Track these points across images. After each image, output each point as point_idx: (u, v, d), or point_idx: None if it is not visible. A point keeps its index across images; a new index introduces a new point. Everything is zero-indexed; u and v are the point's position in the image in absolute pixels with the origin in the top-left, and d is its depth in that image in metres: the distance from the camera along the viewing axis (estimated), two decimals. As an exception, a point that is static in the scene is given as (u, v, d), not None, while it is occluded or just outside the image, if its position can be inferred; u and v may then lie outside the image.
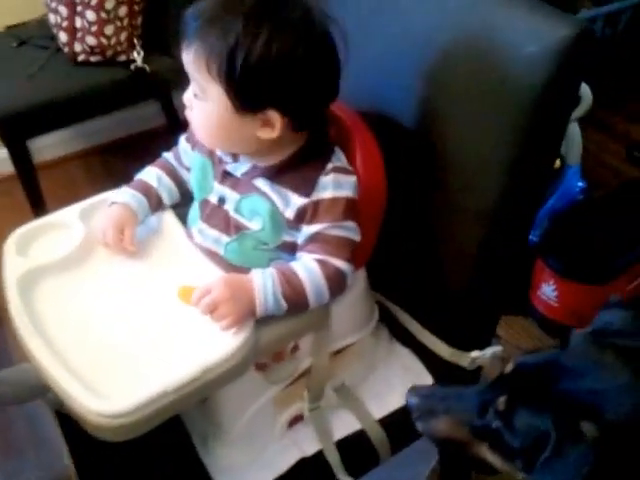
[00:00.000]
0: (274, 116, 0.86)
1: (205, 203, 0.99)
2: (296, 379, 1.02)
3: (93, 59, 1.79)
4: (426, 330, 1.09)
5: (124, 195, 1.01)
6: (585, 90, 1.85)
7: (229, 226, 0.96)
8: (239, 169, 0.95)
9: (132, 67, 1.79)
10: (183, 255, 0.98)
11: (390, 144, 0.98)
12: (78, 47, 1.77)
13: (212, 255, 0.98)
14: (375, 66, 1.03)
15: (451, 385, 0.86)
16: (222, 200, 0.97)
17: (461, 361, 1.06)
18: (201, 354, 0.86)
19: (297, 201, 0.91)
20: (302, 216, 0.91)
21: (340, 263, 0.91)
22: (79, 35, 1.75)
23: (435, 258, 1.06)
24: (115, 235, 0.96)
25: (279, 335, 0.93)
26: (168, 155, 1.07)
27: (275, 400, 1.01)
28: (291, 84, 0.84)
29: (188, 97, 0.91)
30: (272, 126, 0.87)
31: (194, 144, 1.02)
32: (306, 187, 0.91)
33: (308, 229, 0.91)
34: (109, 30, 1.74)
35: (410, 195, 1.03)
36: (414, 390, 0.84)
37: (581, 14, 2.19)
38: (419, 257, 1.07)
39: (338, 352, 1.05)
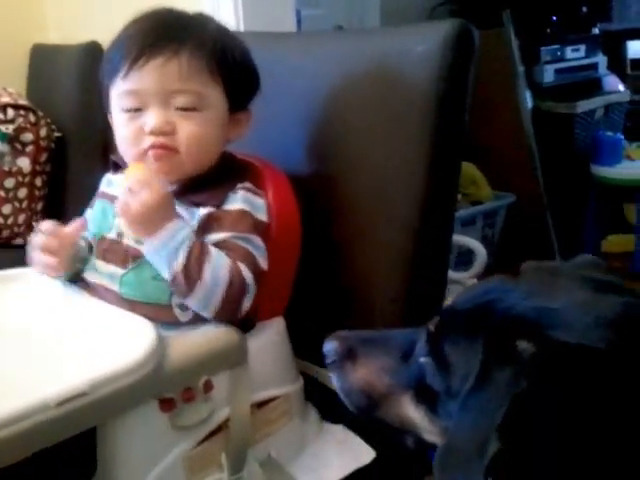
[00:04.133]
0: (245, 112, 0.92)
1: (102, 240, 0.93)
2: (213, 434, 0.84)
3: (-13, 240, 1.73)
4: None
5: None
6: (479, 249, 1.94)
7: (126, 258, 0.89)
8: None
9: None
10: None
11: (301, 187, 0.97)
12: (-29, 225, 1.72)
13: (107, 292, 0.89)
14: (278, 120, 1.06)
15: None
16: (120, 235, 0.91)
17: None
18: (93, 368, 0.72)
19: (203, 211, 0.88)
20: (207, 226, 0.87)
21: (244, 270, 0.84)
22: (-27, 213, 1.72)
23: (362, 302, 0.98)
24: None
25: (187, 358, 0.81)
26: None
27: (186, 462, 0.82)
28: (253, 79, 0.92)
29: (168, 120, 0.85)
30: (240, 124, 0.92)
31: (93, 203, 0.99)
32: (214, 200, 0.88)
33: (213, 237, 0.86)
34: (7, 209, 1.72)
35: (325, 235, 1.00)
36: (334, 334, 0.71)
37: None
38: (343, 303, 1.00)
39: (260, 406, 0.90)
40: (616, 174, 2.55)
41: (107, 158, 1.87)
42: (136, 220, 0.83)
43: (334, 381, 0.69)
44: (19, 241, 1.76)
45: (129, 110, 0.86)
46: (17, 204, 1.74)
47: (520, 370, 0.51)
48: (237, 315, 0.86)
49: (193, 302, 0.84)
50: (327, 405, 1.02)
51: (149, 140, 0.85)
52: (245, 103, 0.93)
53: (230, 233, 0.86)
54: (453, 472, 0.55)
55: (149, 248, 0.83)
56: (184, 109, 0.85)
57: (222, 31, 0.91)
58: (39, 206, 1.80)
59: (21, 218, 1.75)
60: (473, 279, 1.93)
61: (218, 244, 0.85)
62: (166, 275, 0.83)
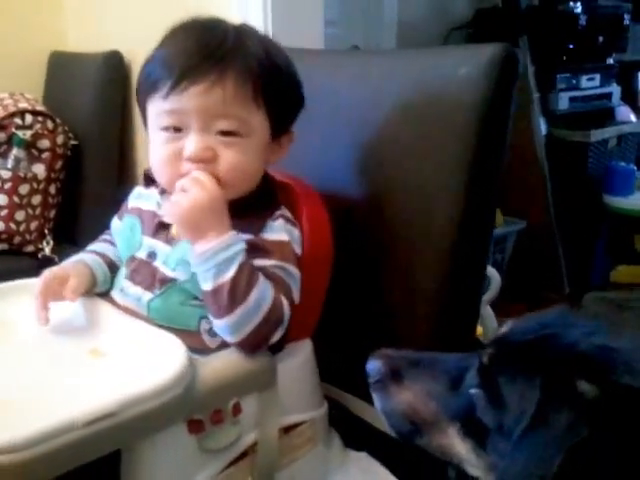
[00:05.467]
0: (287, 135, 0.89)
1: (131, 260, 0.89)
2: (239, 459, 0.81)
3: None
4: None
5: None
6: (494, 274, 1.92)
7: (154, 282, 0.85)
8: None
9: (40, 256, 1.72)
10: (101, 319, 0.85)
11: (338, 209, 0.95)
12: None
13: (135, 315, 0.86)
14: (317, 140, 1.04)
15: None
16: (152, 255, 0.87)
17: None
18: (122, 388, 0.70)
19: (243, 237, 0.83)
20: (248, 252, 0.82)
21: (285, 303, 0.81)
22: (-12, 218, 1.70)
23: (394, 327, 0.96)
24: (51, 281, 0.85)
25: (217, 379, 0.78)
26: (96, 246, 0.98)
27: (213, 486, 0.79)
28: (298, 98, 0.89)
29: (209, 146, 0.81)
30: (282, 147, 0.89)
31: (122, 214, 0.96)
32: (252, 228, 0.85)
33: (256, 262, 0.82)
34: (20, 216, 1.70)
35: (359, 258, 0.97)
36: (378, 352, 0.67)
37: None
38: (373, 327, 0.97)
39: (287, 431, 0.87)
40: (628, 205, 2.55)
41: (122, 168, 1.87)
42: (185, 219, 0.79)
43: (376, 402, 0.66)
44: (30, 248, 1.74)
45: (168, 128, 0.82)
46: (30, 211, 1.72)
47: (580, 414, 0.48)
48: (262, 347, 0.82)
49: (225, 322, 0.79)
50: (351, 431, 1.00)
51: (186, 166, 0.81)
52: (288, 126, 0.89)
53: (272, 261, 0.83)
54: None
55: (197, 253, 0.79)
56: (226, 133, 0.81)
57: (269, 49, 0.86)
58: (52, 214, 1.78)
59: (33, 225, 1.73)
60: (487, 305, 1.92)
61: (259, 270, 0.82)
62: (207, 286, 0.78)
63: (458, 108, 0.87)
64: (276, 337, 0.81)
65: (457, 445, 0.62)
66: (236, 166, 0.82)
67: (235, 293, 0.77)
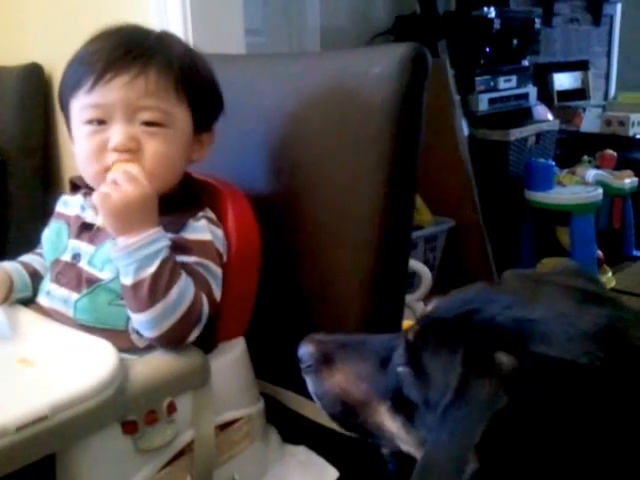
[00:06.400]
0: (208, 133, 0.92)
1: (56, 263, 0.90)
2: (177, 458, 0.82)
3: None
4: (321, 407, 0.95)
5: None
6: (425, 272, 1.97)
7: (80, 282, 0.86)
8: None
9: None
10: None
11: (261, 207, 0.97)
12: None
13: (61, 317, 0.86)
14: (235, 141, 1.05)
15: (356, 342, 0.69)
16: (76, 257, 0.88)
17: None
18: (53, 391, 0.70)
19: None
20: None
21: (204, 301, 0.83)
22: None
23: (322, 321, 0.98)
24: None
25: (150, 379, 0.79)
26: (22, 257, 0.97)
27: (151, 487, 0.79)
28: (218, 100, 0.93)
29: (133, 136, 0.82)
30: (203, 144, 0.92)
31: (50, 223, 0.95)
32: (175, 226, 0.86)
33: (177, 258, 0.83)
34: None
35: (285, 255, 0.99)
36: (309, 337, 0.69)
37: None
38: (303, 323, 0.99)
39: (223, 428, 0.88)
40: (549, 199, 2.65)
41: (48, 180, 1.83)
42: (114, 213, 0.79)
43: (309, 386, 0.68)
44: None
45: (91, 122, 0.83)
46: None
47: (499, 385, 0.50)
48: (181, 343, 0.82)
49: (144, 317, 0.79)
50: (288, 426, 1.01)
51: (112, 157, 0.82)
52: (210, 124, 0.92)
53: (193, 258, 0.84)
54: None
55: (121, 246, 0.79)
56: (150, 124, 0.83)
57: (189, 50, 0.90)
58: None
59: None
60: (420, 301, 1.97)
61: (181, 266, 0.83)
62: (127, 280, 0.78)
63: (372, 105, 0.91)
64: (194, 335, 0.82)
65: (387, 423, 0.64)
66: (160, 156, 0.83)
67: (155, 289, 0.78)
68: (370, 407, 0.65)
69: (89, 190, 0.88)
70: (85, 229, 0.89)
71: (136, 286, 0.78)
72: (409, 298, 1.88)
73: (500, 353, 0.51)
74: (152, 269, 0.78)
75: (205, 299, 0.83)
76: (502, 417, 0.48)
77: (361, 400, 0.65)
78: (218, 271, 0.86)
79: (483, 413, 0.49)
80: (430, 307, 0.66)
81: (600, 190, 2.67)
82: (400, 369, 0.62)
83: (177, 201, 0.88)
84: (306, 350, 0.68)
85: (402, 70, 0.89)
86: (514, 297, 0.59)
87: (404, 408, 0.61)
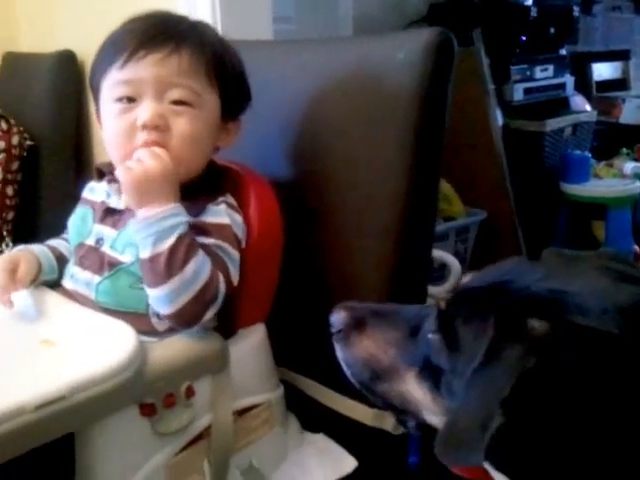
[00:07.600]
0: (235, 122, 0.92)
1: (80, 247, 0.91)
2: (193, 442, 0.82)
3: (-45, 249, 1.69)
4: (340, 395, 0.95)
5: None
6: (454, 263, 1.95)
7: (103, 265, 0.87)
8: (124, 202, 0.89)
9: (-2, 257, 1.70)
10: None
11: (284, 194, 0.96)
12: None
13: (83, 300, 0.87)
14: (260, 127, 1.05)
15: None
16: (100, 241, 0.89)
17: (385, 424, 0.92)
18: (72, 372, 0.71)
19: None
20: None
21: (221, 280, 0.83)
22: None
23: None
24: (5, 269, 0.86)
25: (168, 363, 0.80)
26: (49, 241, 0.99)
27: (168, 469, 0.80)
28: (247, 90, 0.93)
29: (161, 114, 0.82)
30: (230, 132, 0.91)
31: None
32: (195, 210, 0.86)
33: (197, 239, 0.83)
34: (-24, 219, 1.68)
35: (308, 241, 0.99)
36: (342, 304, 0.69)
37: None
38: (324, 310, 0.98)
39: (242, 413, 0.88)
40: (585, 192, 2.60)
41: (79, 167, 1.86)
42: (135, 186, 0.79)
43: (337, 352, 0.68)
44: (-13, 250, 1.72)
45: (121, 99, 0.83)
46: (-13, 213, 1.71)
47: (530, 348, 0.50)
48: (196, 322, 0.81)
49: (161, 292, 0.78)
50: (308, 413, 1.01)
51: (141, 137, 0.82)
52: (237, 113, 0.92)
53: (211, 240, 0.84)
54: (455, 448, 0.54)
55: (140, 219, 0.79)
56: (179, 102, 0.83)
57: (221, 39, 0.91)
58: (10, 215, 1.77)
59: (-9, 228, 1.72)
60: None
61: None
62: (145, 253, 0.79)
63: (397, 91, 0.90)
64: (210, 313, 0.81)
65: (414, 391, 0.63)
66: (187, 137, 0.83)
67: (172, 262, 0.78)
68: (398, 374, 0.65)
69: (114, 177, 0.88)
70: (109, 214, 0.90)
71: (153, 259, 0.78)
72: (438, 290, 1.86)
73: (533, 319, 0.52)
74: (169, 242, 0.78)
75: (222, 278, 0.82)
76: (530, 376, 0.49)
77: (388, 366, 0.65)
78: (236, 254, 0.86)
79: (512, 373, 0.50)
80: (466, 279, 0.65)
81: (638, 183, 2.61)
82: (430, 335, 0.62)
83: (200, 187, 0.88)
84: (338, 316, 0.68)
85: (426, 56, 0.88)
86: (550, 270, 0.59)
87: (431, 375, 0.61)
